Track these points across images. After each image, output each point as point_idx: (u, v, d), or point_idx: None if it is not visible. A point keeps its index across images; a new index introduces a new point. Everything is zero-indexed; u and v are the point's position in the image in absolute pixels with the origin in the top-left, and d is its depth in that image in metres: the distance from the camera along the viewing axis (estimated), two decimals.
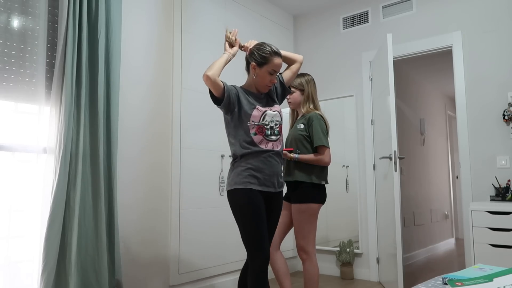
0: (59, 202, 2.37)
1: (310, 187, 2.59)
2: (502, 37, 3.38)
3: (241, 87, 2.26)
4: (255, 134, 2.13)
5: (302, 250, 2.59)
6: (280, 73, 2.36)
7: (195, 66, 3.46)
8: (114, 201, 2.66)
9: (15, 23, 2.41)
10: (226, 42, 2.26)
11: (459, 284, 1.25)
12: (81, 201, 2.49)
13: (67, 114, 2.44)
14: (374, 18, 4.16)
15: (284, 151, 2.59)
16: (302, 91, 2.72)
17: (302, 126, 2.66)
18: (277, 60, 2.16)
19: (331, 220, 4.37)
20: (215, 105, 2.18)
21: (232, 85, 2.18)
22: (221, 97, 2.10)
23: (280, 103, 2.34)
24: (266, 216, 2.18)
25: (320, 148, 2.60)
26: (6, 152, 2.36)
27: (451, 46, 3.64)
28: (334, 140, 4.43)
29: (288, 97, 2.75)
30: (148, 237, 3.01)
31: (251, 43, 2.25)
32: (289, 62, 2.38)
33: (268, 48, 2.16)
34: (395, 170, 3.29)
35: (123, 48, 2.93)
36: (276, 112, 2.22)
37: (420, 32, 3.83)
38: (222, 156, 3.63)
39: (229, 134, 2.22)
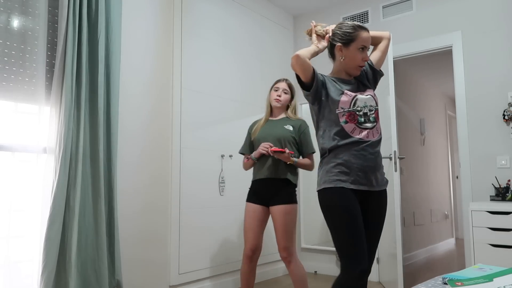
0: (59, 202, 2.37)
1: (293, 188, 2.70)
2: (502, 37, 3.38)
3: (327, 75, 2.03)
4: (346, 122, 1.87)
5: (287, 251, 2.60)
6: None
7: (195, 66, 3.46)
8: (114, 201, 2.66)
9: (15, 23, 2.41)
10: (315, 35, 2.03)
11: (459, 284, 1.25)
12: (81, 201, 2.49)
13: (67, 114, 2.44)
14: (374, 18, 4.16)
15: (285, 153, 2.56)
16: (292, 96, 2.86)
17: (291, 128, 2.74)
18: (364, 33, 1.92)
19: None
20: (304, 93, 1.95)
21: (318, 73, 1.97)
22: (310, 82, 1.89)
23: (374, 89, 2.06)
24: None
25: (311, 155, 2.77)
26: (6, 152, 2.36)
27: (451, 46, 3.63)
28: None
29: (280, 96, 2.81)
30: (148, 237, 3.01)
31: (330, 27, 2.02)
32: (375, 41, 2.10)
33: (351, 24, 1.94)
34: (395, 170, 3.29)
35: (123, 48, 2.93)
36: (369, 96, 1.94)
37: (420, 32, 3.83)
38: (222, 156, 3.63)
39: (317, 127, 1.99)
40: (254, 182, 2.76)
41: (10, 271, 2.33)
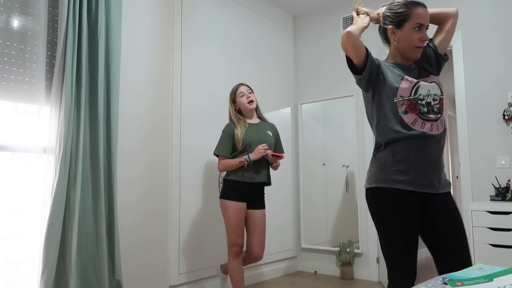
0: (59, 202, 2.37)
1: None
2: (502, 37, 3.38)
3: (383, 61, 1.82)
4: (406, 112, 1.64)
5: (263, 249, 2.86)
6: (430, 39, 1.81)
7: (195, 66, 3.46)
8: (114, 201, 2.66)
9: (15, 23, 2.41)
10: (359, 15, 1.84)
11: (459, 284, 1.24)
12: (81, 201, 2.49)
13: (67, 114, 2.44)
14: None
15: (282, 157, 2.81)
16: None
17: (270, 134, 2.94)
18: (419, 9, 1.67)
19: (331, 220, 4.37)
20: (355, 77, 1.76)
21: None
22: (363, 65, 1.68)
23: (437, 75, 1.80)
24: (425, 226, 1.68)
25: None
26: (6, 152, 2.36)
27: (451, 46, 3.63)
28: (334, 140, 4.43)
29: (249, 97, 2.92)
30: (148, 237, 3.01)
31: (380, 10, 1.82)
32: (440, 20, 1.80)
33: (402, 1, 1.71)
34: None
35: (123, 48, 2.93)
36: (433, 83, 1.71)
37: None
38: None
39: (371, 116, 1.79)
40: (245, 184, 2.80)
41: (10, 271, 2.33)
